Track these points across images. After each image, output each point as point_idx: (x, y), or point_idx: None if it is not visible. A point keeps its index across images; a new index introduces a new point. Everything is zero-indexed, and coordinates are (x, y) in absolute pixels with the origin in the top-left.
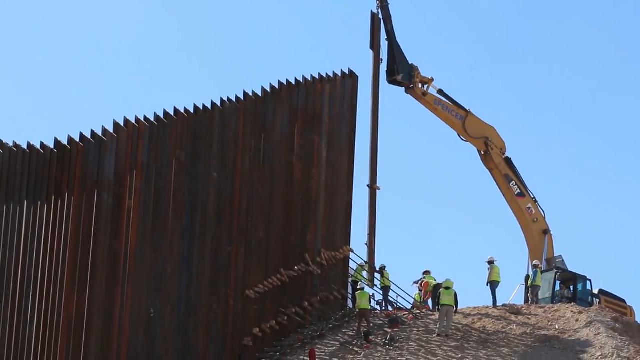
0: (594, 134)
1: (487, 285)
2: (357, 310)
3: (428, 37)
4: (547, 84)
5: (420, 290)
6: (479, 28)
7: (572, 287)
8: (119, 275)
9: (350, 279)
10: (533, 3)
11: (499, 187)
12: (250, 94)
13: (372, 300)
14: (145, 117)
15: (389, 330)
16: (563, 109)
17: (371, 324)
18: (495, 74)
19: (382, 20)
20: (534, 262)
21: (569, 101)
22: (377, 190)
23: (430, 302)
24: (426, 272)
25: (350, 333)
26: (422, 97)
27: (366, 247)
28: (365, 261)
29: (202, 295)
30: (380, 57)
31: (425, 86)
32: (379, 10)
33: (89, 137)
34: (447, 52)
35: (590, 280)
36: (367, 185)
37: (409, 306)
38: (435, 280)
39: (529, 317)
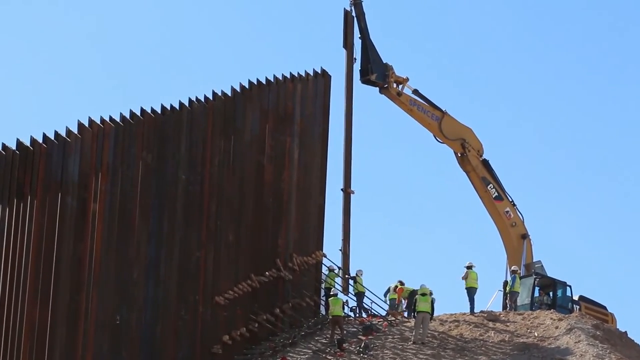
0: (574, 136)
1: (462, 279)
2: (330, 317)
3: (405, 35)
4: (531, 83)
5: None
6: (461, 27)
7: (551, 294)
8: (83, 280)
9: (322, 285)
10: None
11: (476, 191)
12: (220, 94)
13: (346, 307)
14: (110, 118)
15: (363, 338)
16: (545, 111)
17: (345, 331)
18: (477, 73)
19: (355, 18)
20: (513, 268)
21: (552, 103)
22: (351, 194)
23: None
24: (400, 282)
25: (323, 341)
26: (397, 98)
27: (340, 252)
28: (339, 267)
29: (170, 302)
30: (354, 56)
31: (400, 86)
32: (352, 8)
33: (53, 138)
34: (425, 50)
35: (570, 286)
36: (341, 189)
37: (384, 313)
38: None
39: (508, 324)
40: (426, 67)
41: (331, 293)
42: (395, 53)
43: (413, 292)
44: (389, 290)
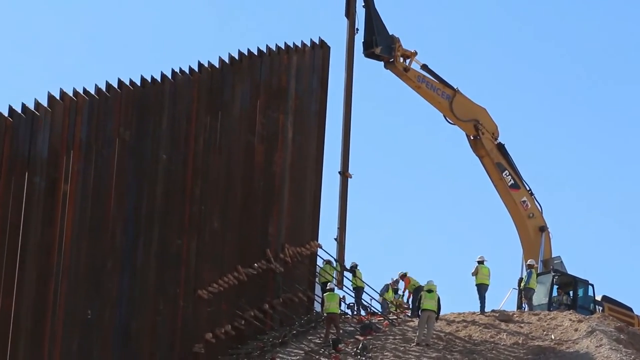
0: (598, 121)
1: (472, 275)
2: (325, 314)
3: (413, 4)
4: (548, 64)
5: (395, 292)
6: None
7: (571, 293)
8: (51, 270)
9: (317, 279)
10: None
11: (490, 177)
12: (206, 65)
13: (343, 303)
14: (84, 90)
15: (361, 338)
16: (566, 93)
17: (341, 331)
18: (487, 50)
19: None
20: (529, 262)
21: (572, 83)
22: (349, 178)
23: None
24: (403, 275)
25: (317, 340)
26: (404, 73)
27: (336, 242)
28: (335, 259)
29: (148, 295)
30: (356, 26)
31: (407, 60)
32: None
33: (20, 111)
34: (435, 22)
35: (592, 285)
36: (339, 172)
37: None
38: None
39: (522, 325)
40: (437, 40)
41: (327, 288)
42: (402, 24)
43: (419, 288)
44: (387, 288)
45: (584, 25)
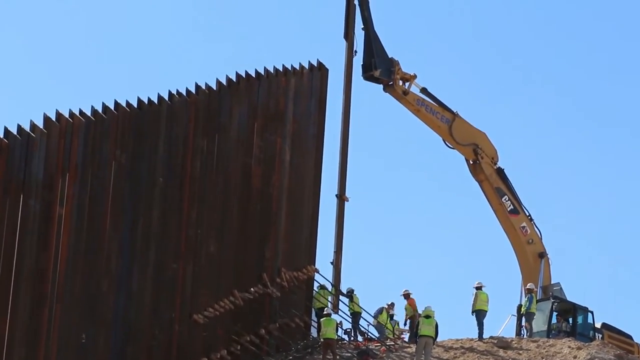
0: (599, 148)
1: (472, 314)
2: (322, 339)
3: (413, 27)
4: (550, 89)
5: (391, 317)
6: (472, 21)
7: (571, 320)
8: (46, 294)
9: (313, 304)
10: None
11: (489, 202)
12: (203, 87)
13: (340, 329)
14: (80, 111)
15: None
16: (566, 118)
17: (337, 356)
18: (488, 74)
19: (358, 6)
20: (528, 286)
21: (572, 108)
22: (346, 202)
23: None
24: (407, 294)
25: None
26: (403, 96)
27: (332, 266)
28: (332, 283)
29: (143, 319)
30: (355, 49)
31: (407, 84)
32: None
33: (15, 132)
34: (434, 45)
35: (592, 313)
36: (336, 195)
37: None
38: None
39: (520, 352)
40: (436, 64)
41: (324, 313)
42: (402, 47)
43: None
44: (381, 310)
45: (587, 50)
